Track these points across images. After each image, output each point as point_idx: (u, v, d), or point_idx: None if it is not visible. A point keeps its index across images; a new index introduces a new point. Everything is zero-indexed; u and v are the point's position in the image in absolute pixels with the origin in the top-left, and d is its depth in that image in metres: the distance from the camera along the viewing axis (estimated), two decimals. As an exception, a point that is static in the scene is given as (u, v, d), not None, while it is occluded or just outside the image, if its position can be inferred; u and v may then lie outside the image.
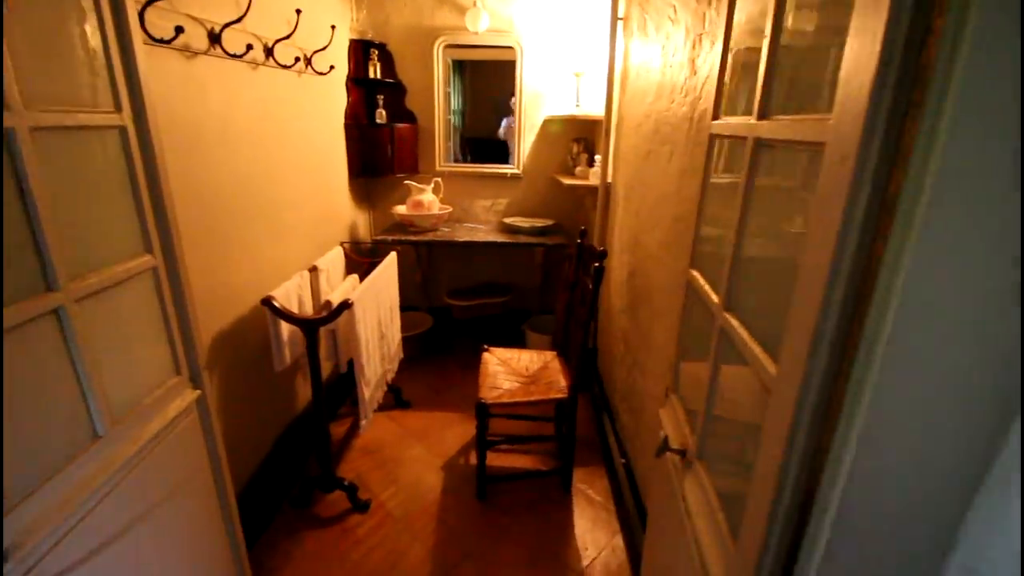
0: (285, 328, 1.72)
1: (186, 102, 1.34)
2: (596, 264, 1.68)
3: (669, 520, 1.03)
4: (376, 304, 2.01)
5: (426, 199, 2.75)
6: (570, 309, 2.03)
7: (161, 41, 1.19)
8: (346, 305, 1.69)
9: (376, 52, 2.69)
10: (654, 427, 1.55)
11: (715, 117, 0.96)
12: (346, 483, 1.86)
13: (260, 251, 1.77)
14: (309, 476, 1.92)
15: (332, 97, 2.40)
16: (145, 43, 1.16)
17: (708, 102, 1.23)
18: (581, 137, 2.88)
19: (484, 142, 3.10)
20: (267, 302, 1.63)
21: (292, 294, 1.79)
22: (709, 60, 1.25)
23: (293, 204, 2.02)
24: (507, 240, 2.64)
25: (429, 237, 2.67)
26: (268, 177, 1.82)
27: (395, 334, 2.33)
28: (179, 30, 1.21)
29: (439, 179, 2.86)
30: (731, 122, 0.87)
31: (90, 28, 0.87)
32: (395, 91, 2.82)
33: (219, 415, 1.55)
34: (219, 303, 1.56)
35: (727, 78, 0.91)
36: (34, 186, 0.76)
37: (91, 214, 0.89)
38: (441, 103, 2.87)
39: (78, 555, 0.85)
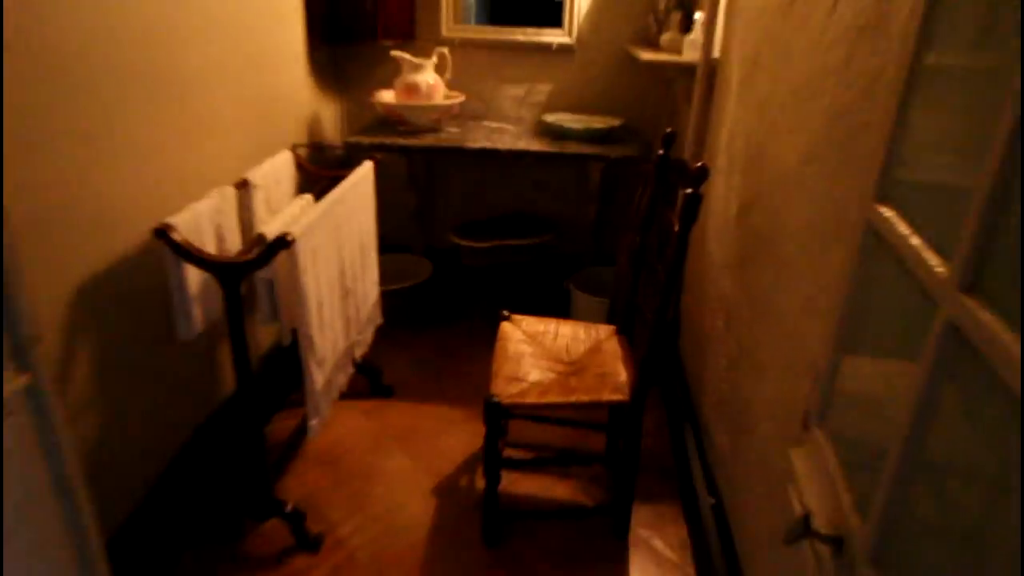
0: (193, 275, 1.60)
1: None
2: (688, 191, 1.48)
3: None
4: (337, 242, 1.88)
5: (424, 81, 2.58)
6: (640, 260, 1.89)
7: None
8: (283, 243, 1.53)
9: None
10: (771, 463, 1.37)
11: None
12: (288, 509, 1.80)
13: (159, 153, 1.66)
14: (237, 496, 1.87)
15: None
16: None
17: None
18: (673, -14, 2.59)
19: (530, 4, 2.91)
20: (163, 234, 1.49)
21: (206, 222, 1.66)
22: None
23: (213, 83, 1.87)
24: (548, 149, 2.53)
25: (429, 141, 2.57)
26: (168, 39, 1.66)
27: (369, 288, 2.22)
28: None
29: (445, 50, 2.67)
30: None
31: None
32: (379, -95, 2.56)
33: (90, 406, 1.48)
34: (89, 230, 1.45)
35: None
36: None
37: None
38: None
39: None
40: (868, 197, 0.83)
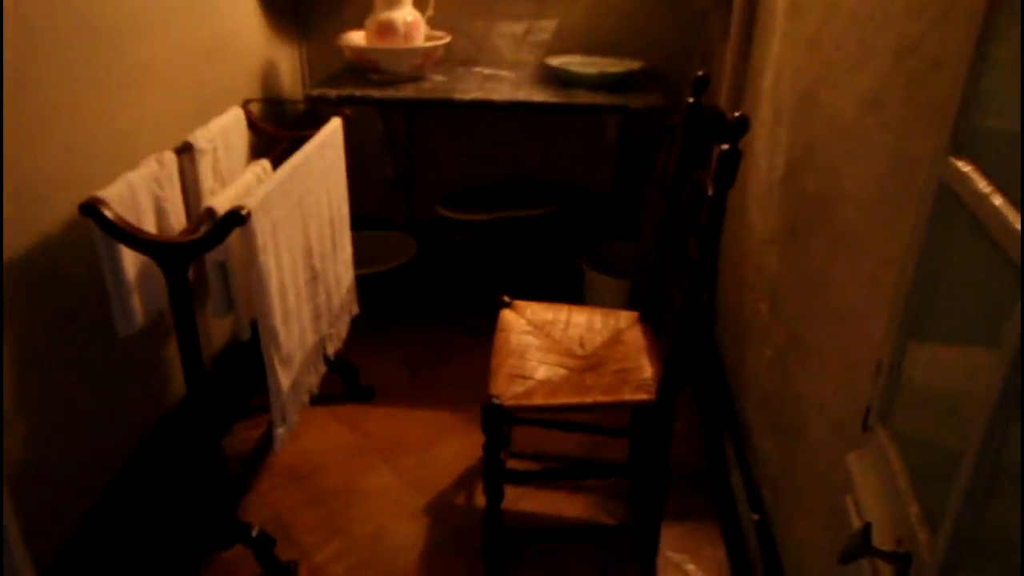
0: (131, 259, 1.62)
1: None
2: (725, 146, 1.49)
3: None
4: (301, 215, 1.89)
5: (402, 18, 2.58)
6: (668, 233, 1.90)
7: None
8: (237, 219, 1.54)
9: None
10: (825, 471, 1.41)
11: None
12: (254, 534, 1.82)
13: (85, 114, 1.67)
14: (192, 520, 1.88)
15: None
16: None
17: None
18: None
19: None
20: (91, 210, 1.50)
21: (143, 195, 1.68)
22: None
23: (147, 28, 1.88)
24: (554, 100, 2.54)
25: (409, 92, 2.59)
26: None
27: (341, 271, 2.24)
28: None
29: (427, -19, 2.69)
30: None
31: None
32: None
33: (11, 417, 1.49)
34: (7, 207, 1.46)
35: None
36: None
37: None
38: None
39: None
40: (942, 149, 0.83)
